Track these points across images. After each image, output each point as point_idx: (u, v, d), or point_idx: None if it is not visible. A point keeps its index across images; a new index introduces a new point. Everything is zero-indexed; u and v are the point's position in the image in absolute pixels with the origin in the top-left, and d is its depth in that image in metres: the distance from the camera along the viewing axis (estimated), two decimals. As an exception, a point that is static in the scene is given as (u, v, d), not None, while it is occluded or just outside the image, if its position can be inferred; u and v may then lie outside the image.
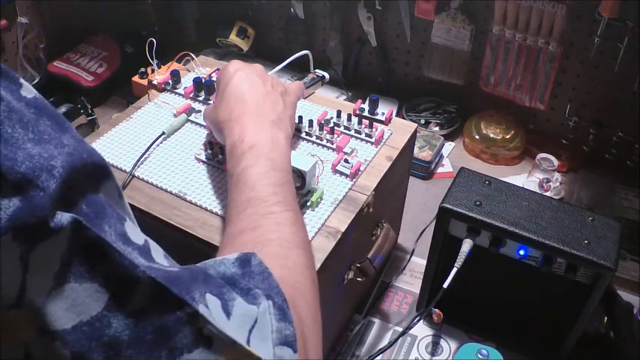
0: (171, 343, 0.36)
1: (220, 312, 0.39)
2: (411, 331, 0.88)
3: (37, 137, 0.34)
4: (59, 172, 0.33)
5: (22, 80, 0.37)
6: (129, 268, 0.35)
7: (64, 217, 0.33)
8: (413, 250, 0.99)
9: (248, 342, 0.39)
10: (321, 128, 0.81)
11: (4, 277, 0.32)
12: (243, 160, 0.60)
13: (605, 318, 0.85)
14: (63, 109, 1.26)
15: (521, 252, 0.75)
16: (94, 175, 0.37)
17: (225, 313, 0.39)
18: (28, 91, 0.37)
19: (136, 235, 0.39)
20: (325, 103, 0.90)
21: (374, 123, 0.83)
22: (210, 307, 0.38)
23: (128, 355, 0.35)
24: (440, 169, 1.19)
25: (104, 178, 0.38)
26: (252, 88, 0.68)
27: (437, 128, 1.26)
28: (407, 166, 0.92)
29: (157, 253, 0.40)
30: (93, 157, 0.37)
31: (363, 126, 0.83)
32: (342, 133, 0.83)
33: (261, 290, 0.44)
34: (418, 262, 0.98)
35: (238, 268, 0.45)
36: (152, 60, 0.95)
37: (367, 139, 0.82)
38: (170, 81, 0.91)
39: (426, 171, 1.16)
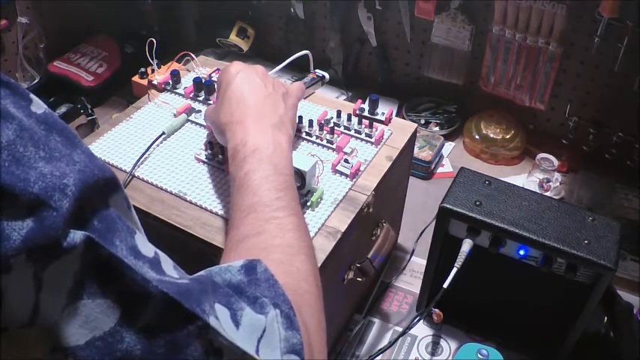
0: (182, 356, 0.36)
1: (229, 322, 0.39)
2: (411, 331, 0.88)
3: (49, 155, 0.34)
4: (72, 190, 0.33)
5: (32, 95, 0.37)
6: (141, 284, 0.35)
7: (76, 236, 0.33)
8: (413, 250, 0.99)
9: (257, 352, 0.39)
10: (321, 128, 0.81)
11: (18, 296, 0.31)
12: (246, 164, 0.60)
13: (605, 318, 0.85)
14: (63, 109, 1.26)
15: (521, 252, 0.75)
16: (105, 189, 0.37)
17: (234, 323, 0.39)
18: (38, 106, 0.36)
19: (146, 247, 0.39)
20: (325, 103, 0.90)
21: (374, 123, 0.83)
22: (219, 318, 0.39)
23: None
24: (440, 169, 1.19)
25: (114, 191, 0.38)
26: (254, 90, 0.68)
27: (437, 128, 1.26)
28: (407, 166, 0.92)
29: (167, 264, 0.40)
30: (104, 172, 0.37)
31: (363, 126, 0.83)
32: (342, 133, 0.83)
33: (267, 298, 0.44)
34: (418, 262, 0.98)
35: (244, 275, 0.45)
36: (152, 60, 0.95)
37: (367, 139, 0.82)
38: (170, 81, 0.91)
39: (426, 171, 1.16)
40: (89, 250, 0.34)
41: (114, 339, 0.34)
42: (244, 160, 0.60)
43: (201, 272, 0.45)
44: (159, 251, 0.40)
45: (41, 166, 0.33)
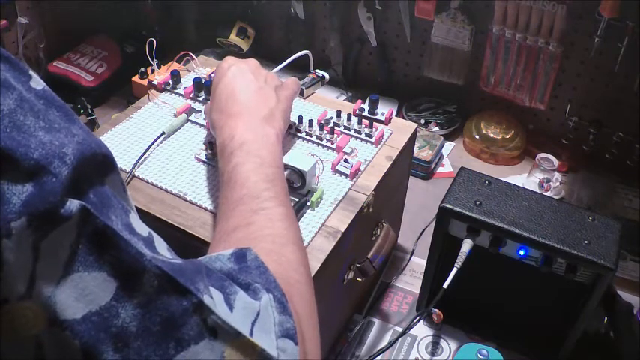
0: (178, 334, 0.36)
1: (223, 305, 0.39)
2: (411, 331, 0.88)
3: (48, 126, 0.35)
4: (70, 159, 0.34)
5: (31, 72, 0.37)
6: (135, 257, 0.36)
7: (72, 205, 0.33)
8: (413, 250, 0.99)
9: (251, 334, 0.39)
10: (321, 128, 0.81)
11: (16, 264, 0.32)
12: (234, 158, 0.60)
13: (605, 318, 0.85)
14: (63, 109, 1.26)
15: (521, 252, 0.75)
16: (102, 166, 0.38)
17: (227, 306, 0.39)
18: (37, 82, 0.37)
19: (140, 227, 0.39)
20: (325, 103, 0.90)
21: (374, 123, 0.83)
22: (214, 298, 0.39)
23: (136, 347, 0.35)
24: (440, 169, 1.19)
25: (110, 170, 0.39)
26: (244, 84, 0.68)
27: (437, 128, 1.26)
28: (407, 166, 0.92)
29: (161, 245, 0.40)
30: (101, 148, 0.38)
31: (363, 126, 0.83)
32: (342, 133, 0.83)
33: (259, 284, 0.44)
34: (418, 262, 0.98)
35: (234, 263, 0.46)
36: (152, 60, 0.95)
37: (367, 139, 0.82)
38: (170, 81, 0.91)
39: (426, 171, 1.16)
40: (85, 221, 0.34)
41: (110, 314, 0.35)
42: (232, 154, 0.61)
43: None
44: (153, 232, 0.41)
45: (41, 135, 0.34)
